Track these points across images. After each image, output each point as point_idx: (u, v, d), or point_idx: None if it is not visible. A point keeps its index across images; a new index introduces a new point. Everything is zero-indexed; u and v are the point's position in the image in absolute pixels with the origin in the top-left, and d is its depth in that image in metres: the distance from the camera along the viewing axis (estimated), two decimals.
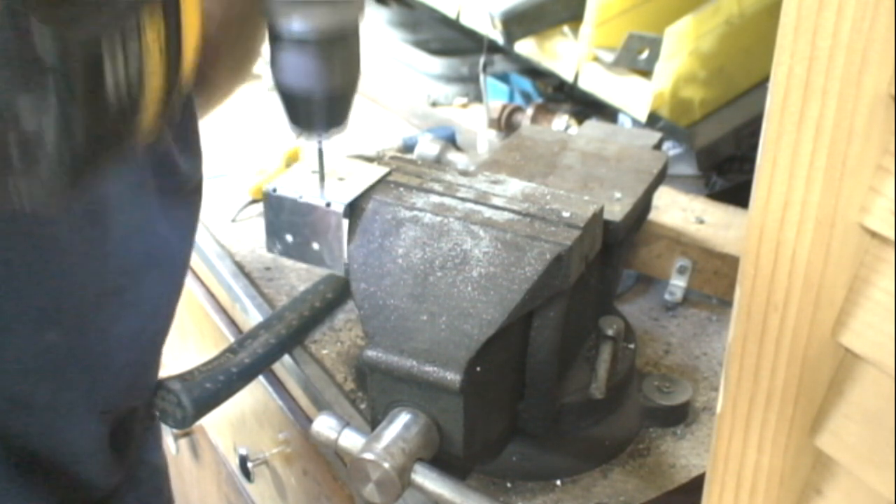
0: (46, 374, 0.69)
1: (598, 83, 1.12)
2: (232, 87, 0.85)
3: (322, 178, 0.73)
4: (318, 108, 0.65)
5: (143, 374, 0.79)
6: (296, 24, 0.62)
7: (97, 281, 0.69)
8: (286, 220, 0.72)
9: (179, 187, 0.73)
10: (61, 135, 0.45)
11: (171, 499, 0.93)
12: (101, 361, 0.72)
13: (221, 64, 0.80)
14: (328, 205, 0.70)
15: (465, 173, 0.76)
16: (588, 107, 1.29)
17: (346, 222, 0.70)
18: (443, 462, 0.64)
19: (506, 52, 1.33)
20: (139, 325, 0.74)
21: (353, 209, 0.71)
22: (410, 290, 0.66)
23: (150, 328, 0.77)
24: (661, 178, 0.85)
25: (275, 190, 0.72)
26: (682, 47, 1.04)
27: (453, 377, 0.61)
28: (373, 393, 0.65)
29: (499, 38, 1.19)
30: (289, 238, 0.73)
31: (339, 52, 0.64)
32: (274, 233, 0.73)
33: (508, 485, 0.75)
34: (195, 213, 0.77)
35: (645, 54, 1.07)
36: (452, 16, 1.29)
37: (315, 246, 0.72)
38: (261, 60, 1.46)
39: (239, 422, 1.08)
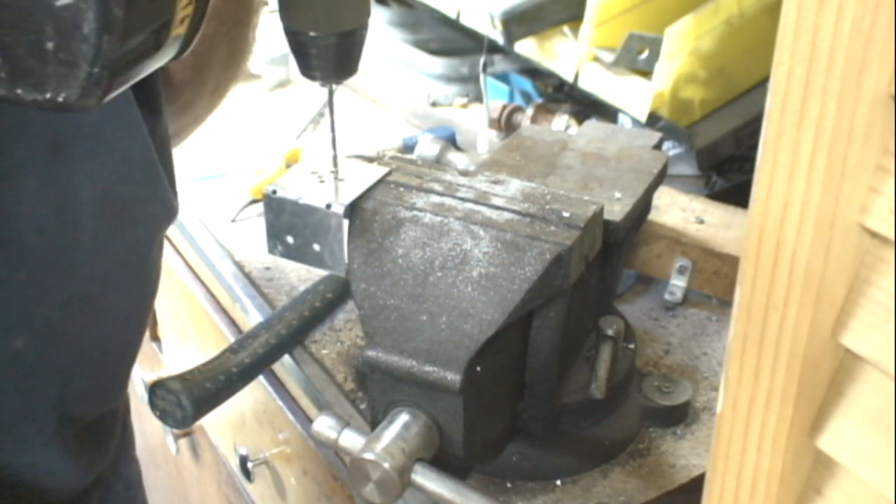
0: (14, 382, 0.68)
1: (598, 83, 1.12)
2: (227, 81, 0.84)
3: (322, 179, 0.73)
4: (329, 52, 0.64)
5: (115, 381, 0.79)
6: None
7: (65, 288, 0.68)
8: (286, 222, 0.72)
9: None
10: (100, 22, 0.44)
11: None
12: (70, 370, 0.71)
13: (216, 53, 0.79)
14: (328, 206, 0.70)
15: (465, 173, 0.76)
16: (588, 107, 1.29)
17: (346, 224, 0.70)
18: (443, 462, 0.64)
19: (506, 52, 1.33)
20: (109, 333, 0.73)
21: (354, 209, 0.70)
22: (410, 290, 0.66)
23: (120, 337, 0.76)
24: (661, 178, 0.85)
25: (274, 192, 0.71)
26: (682, 47, 1.04)
27: (453, 377, 0.61)
28: (373, 393, 0.65)
29: (499, 38, 1.19)
30: (289, 240, 0.72)
31: None
32: (274, 234, 0.73)
33: (508, 485, 0.75)
34: (164, 220, 0.76)
35: (645, 54, 1.07)
36: (452, 16, 1.29)
37: (316, 247, 0.72)
38: (260, 60, 1.47)
39: (239, 422, 1.08)
